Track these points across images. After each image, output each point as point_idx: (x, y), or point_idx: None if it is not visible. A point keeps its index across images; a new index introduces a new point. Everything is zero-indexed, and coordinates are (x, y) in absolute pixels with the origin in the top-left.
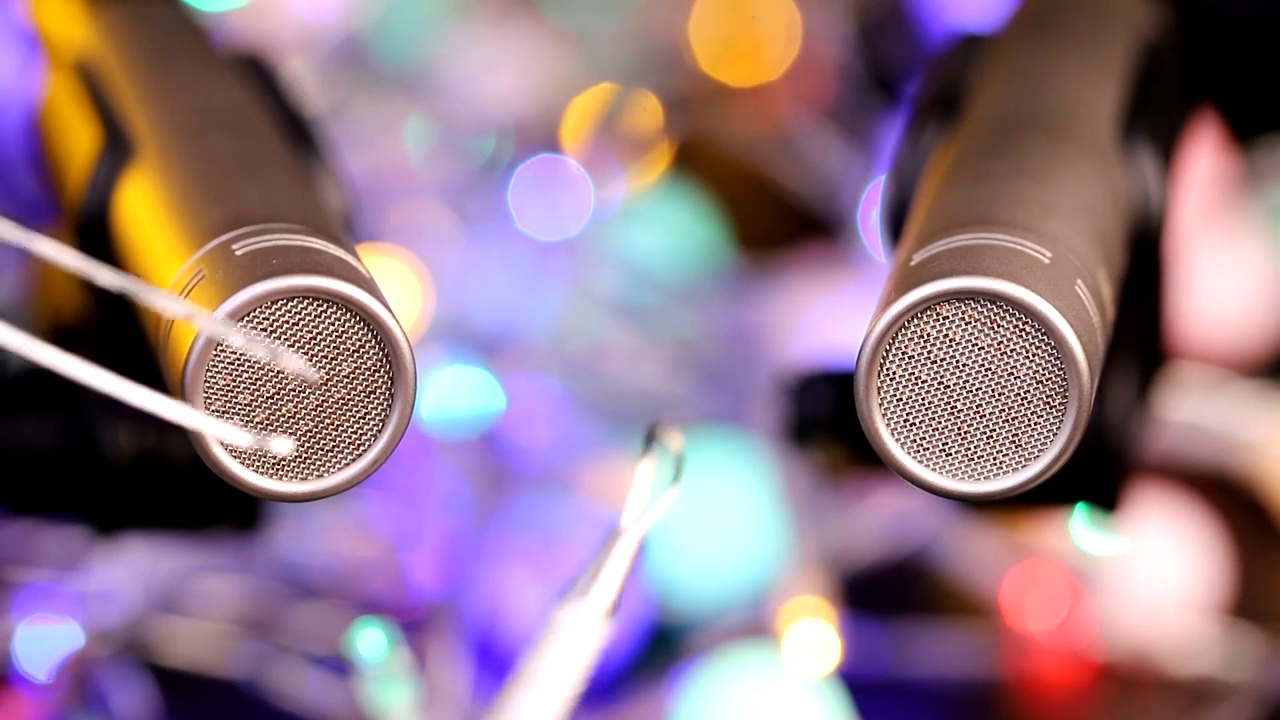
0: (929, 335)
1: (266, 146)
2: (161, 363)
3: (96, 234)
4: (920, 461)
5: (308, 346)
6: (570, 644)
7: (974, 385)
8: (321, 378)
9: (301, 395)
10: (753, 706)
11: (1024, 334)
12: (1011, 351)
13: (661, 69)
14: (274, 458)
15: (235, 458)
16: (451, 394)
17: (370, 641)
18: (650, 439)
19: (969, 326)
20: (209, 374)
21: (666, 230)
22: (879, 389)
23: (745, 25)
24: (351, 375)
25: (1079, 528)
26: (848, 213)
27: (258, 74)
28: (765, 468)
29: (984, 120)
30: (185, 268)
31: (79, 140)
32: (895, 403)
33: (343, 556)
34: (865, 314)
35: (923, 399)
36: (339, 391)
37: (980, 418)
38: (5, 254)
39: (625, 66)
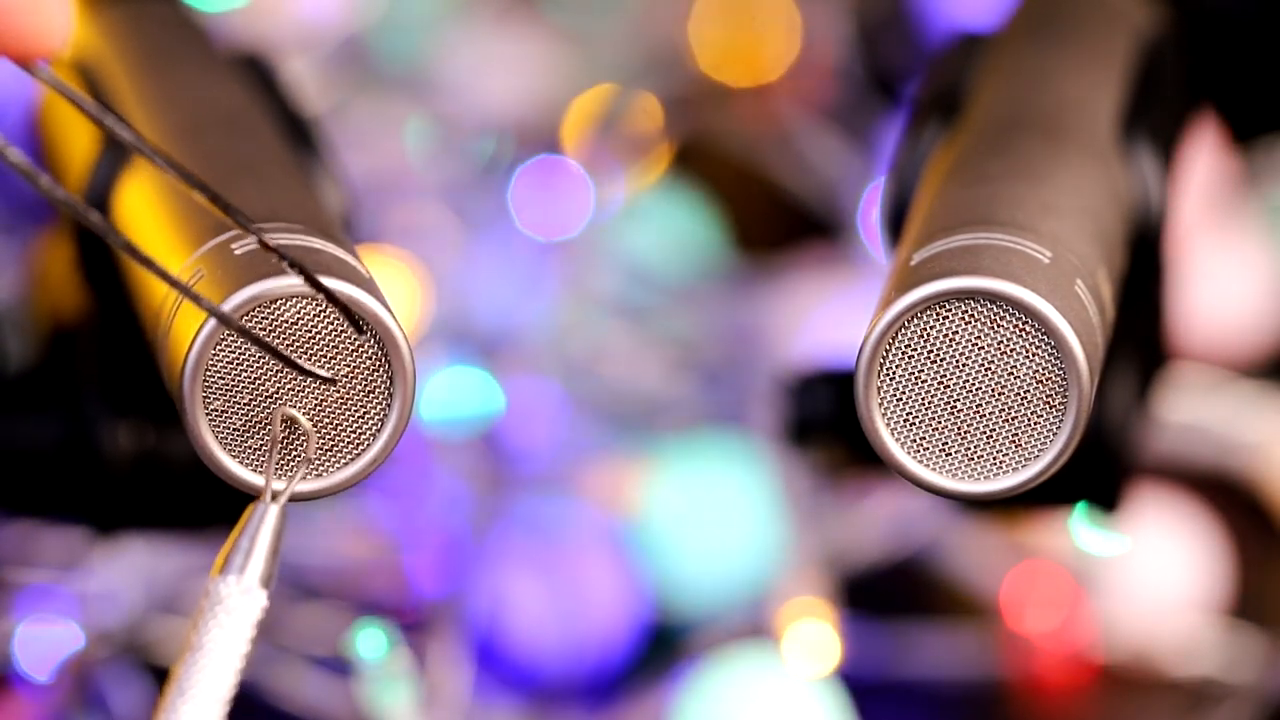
0: (929, 335)
1: (266, 146)
2: (161, 361)
3: (95, 236)
4: (920, 461)
5: (307, 346)
6: (232, 615)
7: (974, 384)
8: (321, 377)
9: (301, 394)
10: (753, 706)
11: (1024, 334)
12: (1011, 351)
13: (661, 69)
14: (274, 457)
15: (235, 457)
16: (451, 394)
17: (370, 642)
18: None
19: (969, 326)
20: (208, 372)
21: (666, 230)
22: (879, 388)
23: (745, 25)
24: (350, 374)
25: (1079, 528)
26: (848, 213)
27: (258, 74)
28: (765, 468)
29: (984, 120)
30: (184, 267)
31: (78, 140)
32: (895, 402)
33: (343, 556)
34: (865, 314)
35: (923, 398)
36: (338, 390)
37: (980, 417)
38: (5, 254)
39: (625, 67)
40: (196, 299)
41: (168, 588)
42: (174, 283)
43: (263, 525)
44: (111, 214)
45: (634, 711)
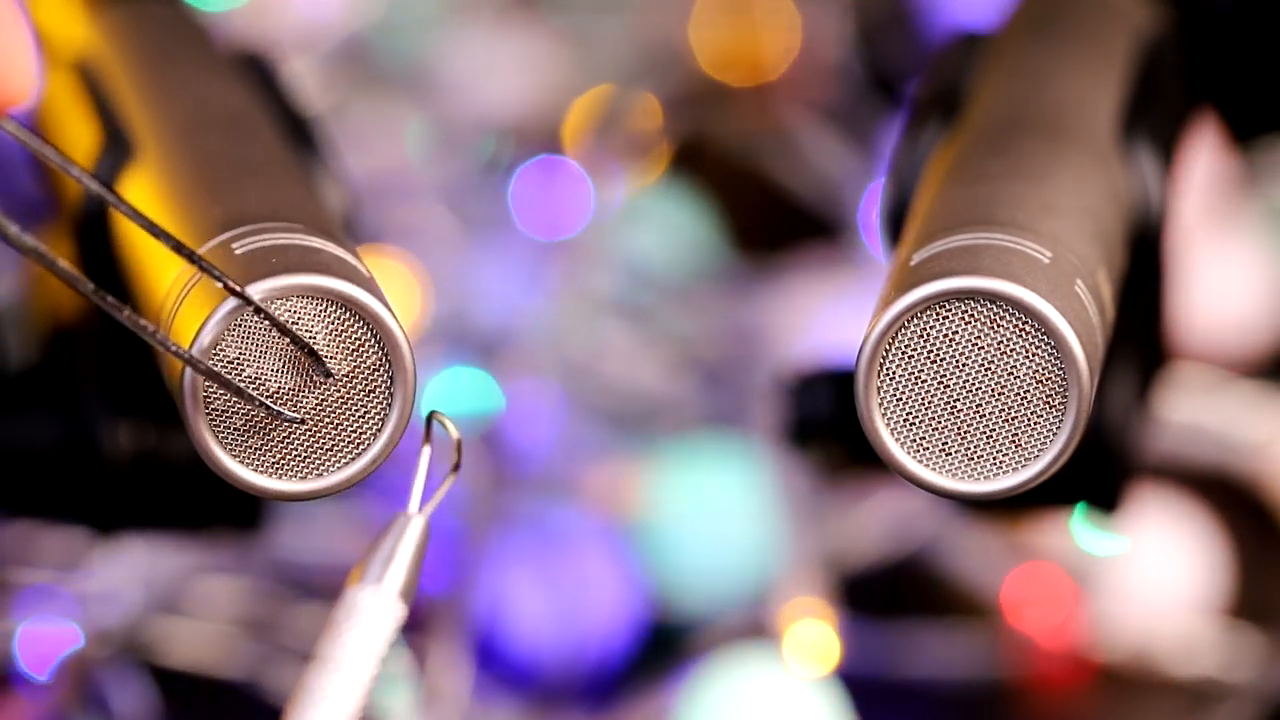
0: (929, 334)
1: (267, 146)
2: (161, 362)
3: (96, 234)
4: (920, 461)
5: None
6: (368, 626)
7: (974, 384)
8: (321, 376)
9: (301, 394)
10: (753, 706)
11: (1024, 334)
12: (1011, 351)
13: (661, 69)
14: (274, 457)
15: (235, 457)
16: (451, 395)
17: None
18: (429, 425)
19: (969, 326)
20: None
21: (666, 230)
22: (879, 388)
23: (745, 25)
24: (351, 374)
25: (1079, 528)
26: (848, 213)
27: (258, 74)
28: (765, 468)
29: (984, 120)
30: (185, 267)
31: (79, 140)
32: (895, 402)
33: (343, 556)
34: (865, 314)
35: (923, 398)
36: (338, 390)
37: (980, 417)
38: (5, 254)
39: (625, 67)
40: (218, 276)
41: (168, 588)
42: (194, 259)
43: (404, 537)
44: (111, 215)
45: (634, 711)
